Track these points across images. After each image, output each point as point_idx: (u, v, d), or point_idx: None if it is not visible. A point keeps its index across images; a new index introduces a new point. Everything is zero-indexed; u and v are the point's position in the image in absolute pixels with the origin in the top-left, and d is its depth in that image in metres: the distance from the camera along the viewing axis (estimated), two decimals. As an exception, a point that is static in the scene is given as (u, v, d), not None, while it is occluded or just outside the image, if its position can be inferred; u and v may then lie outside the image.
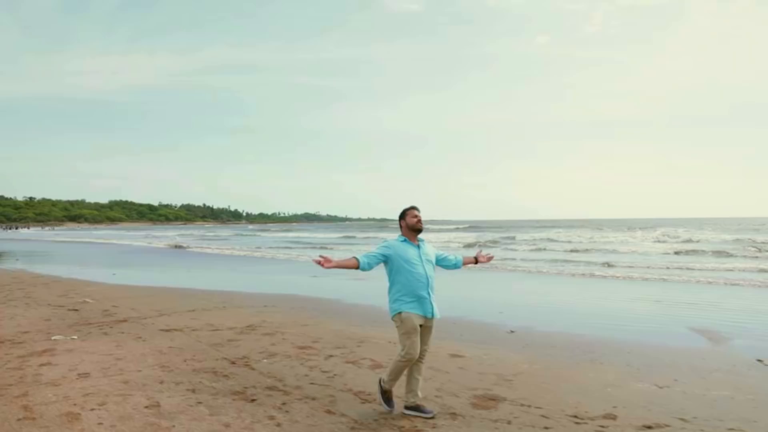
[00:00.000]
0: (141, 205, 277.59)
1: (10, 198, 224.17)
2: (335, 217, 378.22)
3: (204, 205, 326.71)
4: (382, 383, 3.87)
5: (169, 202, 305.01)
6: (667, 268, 15.88)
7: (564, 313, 8.62)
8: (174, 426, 3.56)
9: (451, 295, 11.03)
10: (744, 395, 4.31)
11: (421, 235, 3.99)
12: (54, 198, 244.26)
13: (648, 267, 16.15)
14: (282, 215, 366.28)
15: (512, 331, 6.98)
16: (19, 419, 3.68)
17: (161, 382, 4.58)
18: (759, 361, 5.42)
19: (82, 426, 3.54)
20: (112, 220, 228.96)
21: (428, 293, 3.79)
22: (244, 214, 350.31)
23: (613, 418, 3.77)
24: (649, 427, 3.59)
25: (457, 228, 71.68)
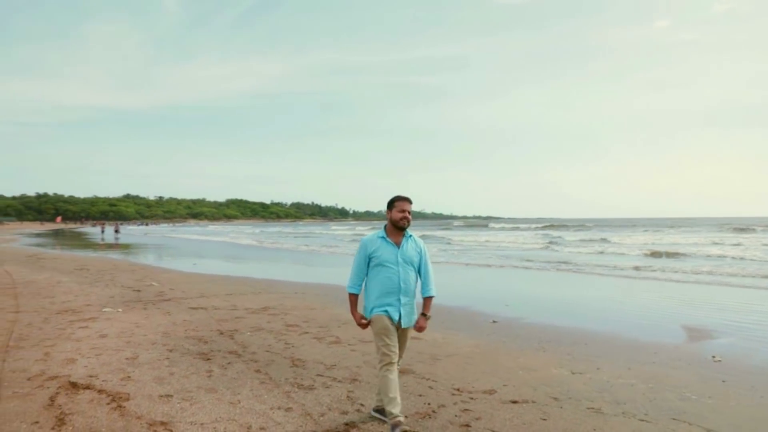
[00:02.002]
0: (254, 203, 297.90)
1: (143, 197, 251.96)
2: (440, 214, 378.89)
3: (312, 203, 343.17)
4: (388, 419, 3.24)
5: (280, 201, 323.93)
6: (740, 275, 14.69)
7: (573, 309, 8.71)
8: (134, 371, 4.65)
9: (466, 286, 11.44)
10: (647, 384, 4.50)
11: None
12: (179, 197, 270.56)
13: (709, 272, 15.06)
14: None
15: (495, 321, 7.37)
16: (36, 360, 4.99)
17: (153, 344, 5.75)
18: (712, 357, 5.41)
19: (72, 366, 4.76)
20: (228, 217, 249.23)
21: (398, 299, 3.40)
22: (351, 212, 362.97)
23: (491, 393, 4.24)
24: (515, 402, 4.03)
25: (537, 226, 69.53)
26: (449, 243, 33.49)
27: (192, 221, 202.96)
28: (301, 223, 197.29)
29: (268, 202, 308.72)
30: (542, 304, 9.14)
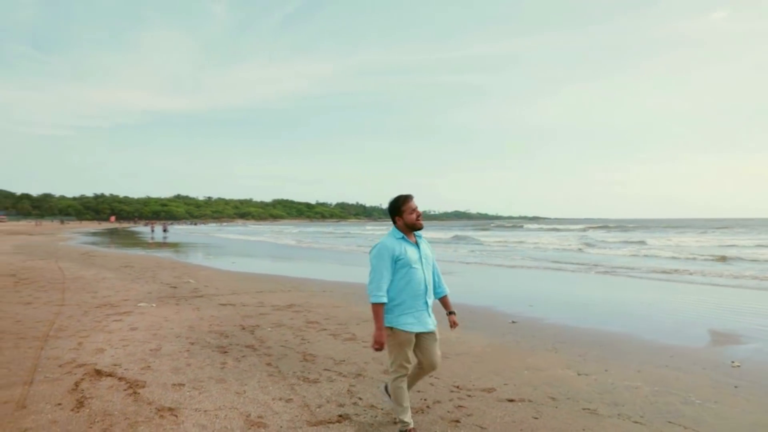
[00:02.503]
0: (299, 203, 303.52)
1: (193, 198, 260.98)
2: (485, 214, 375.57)
3: (357, 203, 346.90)
4: (399, 425, 3.31)
5: (325, 201, 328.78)
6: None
7: (597, 310, 8.57)
8: (155, 361, 4.98)
9: (491, 287, 11.39)
10: (653, 387, 4.45)
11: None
12: (227, 197, 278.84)
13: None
14: (432, 213, 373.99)
15: (514, 322, 7.37)
16: (70, 348, 5.41)
17: (177, 337, 6.10)
18: (731, 362, 5.27)
19: (100, 356, 5.14)
20: (274, 217, 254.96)
21: (426, 302, 3.24)
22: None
23: (490, 391, 4.32)
24: (511, 400, 4.09)
25: (589, 227, 67.81)
26: (480, 244, 33.24)
27: (239, 221, 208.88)
28: (344, 223, 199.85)
29: (313, 202, 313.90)
30: (566, 306, 9.03)
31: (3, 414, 3.59)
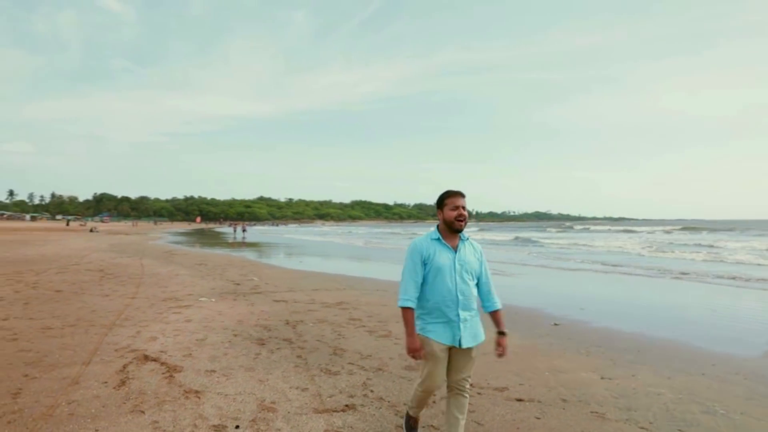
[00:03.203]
0: (377, 204, 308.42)
1: (275, 199, 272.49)
2: (567, 215, 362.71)
3: (434, 204, 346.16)
4: (408, 409, 3.30)
5: (403, 202, 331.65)
6: None
7: (650, 314, 8.18)
8: (197, 350, 5.46)
9: (542, 289, 11.10)
10: (677, 394, 4.29)
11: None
12: (307, 199, 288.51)
13: None
14: (511, 213, 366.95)
15: (556, 324, 7.24)
16: (129, 336, 6.05)
17: (225, 329, 6.60)
18: (780, 372, 4.92)
19: (152, 343, 5.71)
20: (352, 218, 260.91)
21: (458, 315, 2.87)
22: (474, 212, 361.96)
23: (502, 390, 4.37)
24: (520, 400, 4.12)
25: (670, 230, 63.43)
26: (540, 246, 32.22)
27: (318, 222, 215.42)
28: (421, 224, 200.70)
29: (391, 203, 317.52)
30: (618, 310, 8.68)
31: (59, 387, 4.15)
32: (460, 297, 2.87)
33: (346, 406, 3.89)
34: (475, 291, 2.98)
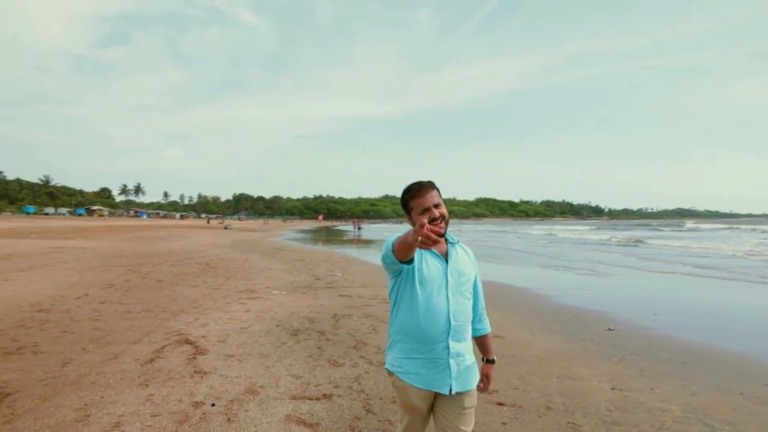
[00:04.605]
0: (502, 201, 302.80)
1: (399, 197, 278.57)
2: (716, 212, 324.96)
3: (563, 200, 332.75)
4: None
5: (529, 199, 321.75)
6: None
7: (730, 324, 7.26)
8: (233, 337, 6.08)
9: (620, 292, 10.25)
10: (685, 412, 3.91)
11: (453, 235, 2.30)
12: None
13: None
14: (648, 211, 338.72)
15: (610, 329, 6.80)
16: (186, 322, 6.88)
17: (272, 319, 7.20)
18: None
19: (200, 329, 6.45)
20: (476, 215, 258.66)
21: (447, 348, 2.13)
22: (606, 209, 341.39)
23: (490, 393, 4.31)
24: (501, 404, 4.08)
25: None
26: (647, 246, 29.23)
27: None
28: (547, 221, 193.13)
29: (516, 200, 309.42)
30: (697, 317, 7.83)
31: (99, 361, 4.95)
32: (454, 322, 2.12)
33: (323, 395, 4.16)
34: (470, 313, 2.26)
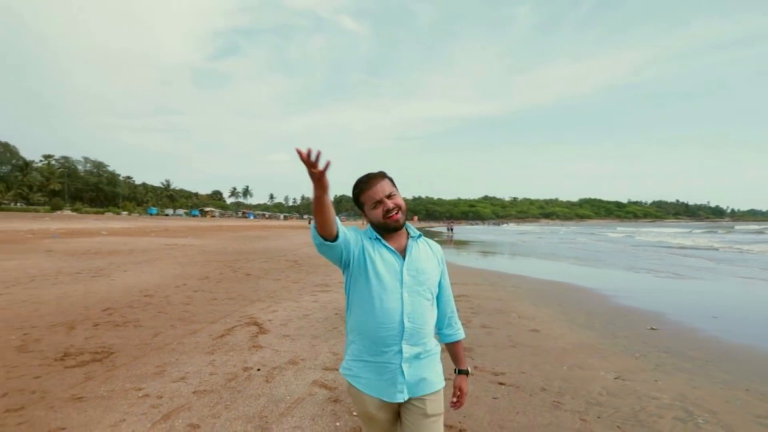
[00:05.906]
0: (609, 202, 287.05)
1: (500, 198, 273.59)
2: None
3: (677, 201, 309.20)
4: None
5: (638, 199, 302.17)
6: None
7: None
8: (294, 322, 7.07)
9: (683, 297, 9.92)
10: (673, 401, 4.21)
11: (416, 227, 2.24)
12: (532, 197, 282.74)
13: None
14: (762, 212, 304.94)
15: (653, 329, 6.93)
16: (259, 308, 8.01)
17: (334, 309, 8.14)
18: None
19: (269, 314, 7.52)
20: (580, 217, 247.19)
21: (400, 352, 1.99)
22: (729, 210, 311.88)
23: (497, 374, 4.90)
24: (502, 384, 4.62)
25: None
26: (714, 249, 26.46)
27: (543, 221, 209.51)
28: (660, 223, 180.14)
29: (624, 201, 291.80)
30: (754, 323, 7.61)
31: (181, 334, 6.13)
32: (408, 324, 1.99)
33: (325, 369, 4.94)
34: (432, 315, 2.12)
